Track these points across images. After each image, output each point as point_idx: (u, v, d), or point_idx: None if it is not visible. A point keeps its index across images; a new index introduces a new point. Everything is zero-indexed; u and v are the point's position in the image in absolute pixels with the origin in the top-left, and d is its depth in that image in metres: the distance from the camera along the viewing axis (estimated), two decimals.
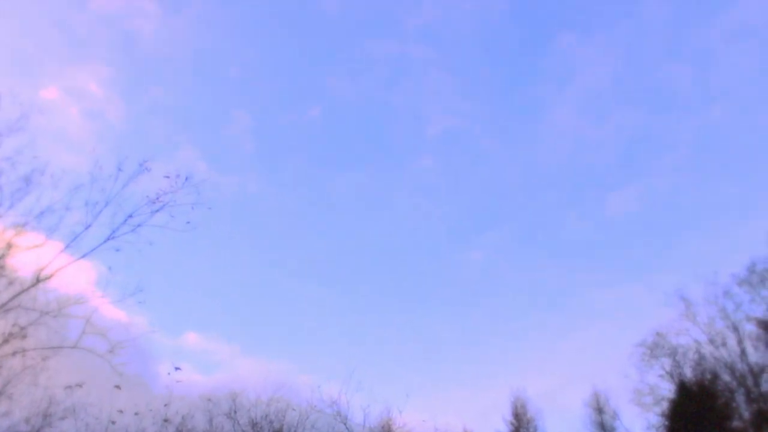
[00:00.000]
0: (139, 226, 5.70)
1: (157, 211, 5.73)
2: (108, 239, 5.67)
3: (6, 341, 5.40)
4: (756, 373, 10.23)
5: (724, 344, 10.56)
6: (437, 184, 22.50)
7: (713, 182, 20.56)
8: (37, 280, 5.54)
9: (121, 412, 6.71)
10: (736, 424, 10.09)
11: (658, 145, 22.05)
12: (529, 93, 23.40)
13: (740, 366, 10.38)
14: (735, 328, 10.56)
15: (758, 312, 10.47)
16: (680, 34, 22.26)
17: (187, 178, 5.80)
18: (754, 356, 10.35)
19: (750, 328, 10.53)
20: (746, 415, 10.18)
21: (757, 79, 20.70)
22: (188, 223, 5.82)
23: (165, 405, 7.26)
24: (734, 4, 20.86)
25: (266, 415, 8.22)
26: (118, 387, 6.03)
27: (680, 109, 21.82)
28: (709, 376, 10.50)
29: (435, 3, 22.77)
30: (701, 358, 10.75)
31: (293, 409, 8.42)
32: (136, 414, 7.00)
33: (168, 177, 5.77)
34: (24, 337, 5.47)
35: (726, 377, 10.47)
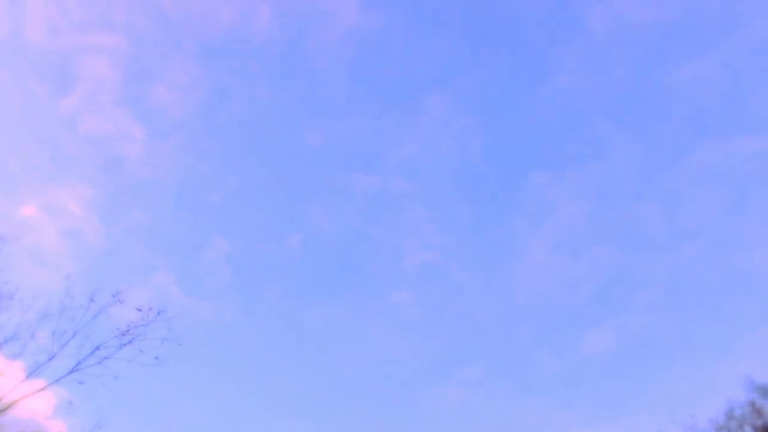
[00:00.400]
0: (106, 358, 5.56)
1: (126, 344, 5.61)
2: (72, 371, 5.51)
3: None
4: None
5: None
6: (414, 318, 22.33)
7: (688, 321, 20.64)
8: None
9: None
10: None
11: (633, 283, 22.26)
12: (504, 229, 23.85)
13: None
14: None
15: None
16: (649, 175, 23.14)
17: (159, 312, 5.73)
18: None
19: None
20: None
21: (724, 219, 21.38)
22: (157, 358, 5.68)
23: None
24: (699, 148, 21.92)
25: None
26: None
27: (652, 247, 22.28)
28: None
29: (415, 139, 23.63)
30: None
31: None
32: None
33: (140, 310, 5.69)
34: None
35: None
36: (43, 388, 5.50)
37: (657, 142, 26.70)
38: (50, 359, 5.48)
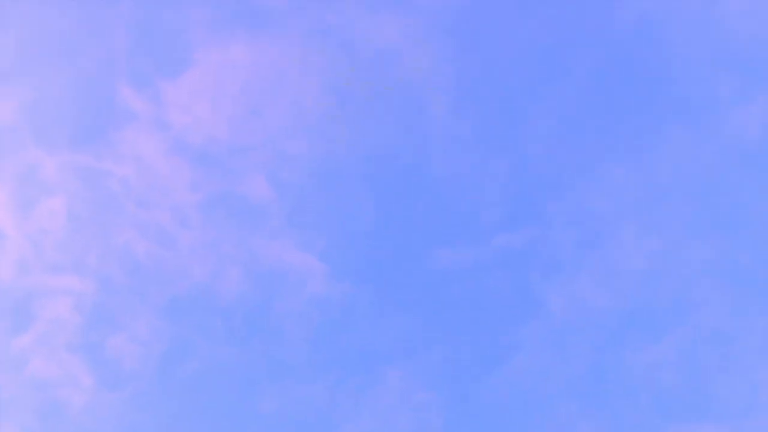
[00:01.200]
0: None
1: None
2: None
3: None
4: None
5: None
6: None
7: None
8: None
9: None
10: None
11: None
12: None
13: None
14: None
15: None
16: None
17: None
18: None
19: None
20: None
21: None
22: None
23: None
24: None
25: None
26: None
27: None
28: None
29: (372, 411, 22.65)
30: None
31: None
32: None
33: None
34: None
35: None
36: None
37: (621, 425, 26.07)
38: None
